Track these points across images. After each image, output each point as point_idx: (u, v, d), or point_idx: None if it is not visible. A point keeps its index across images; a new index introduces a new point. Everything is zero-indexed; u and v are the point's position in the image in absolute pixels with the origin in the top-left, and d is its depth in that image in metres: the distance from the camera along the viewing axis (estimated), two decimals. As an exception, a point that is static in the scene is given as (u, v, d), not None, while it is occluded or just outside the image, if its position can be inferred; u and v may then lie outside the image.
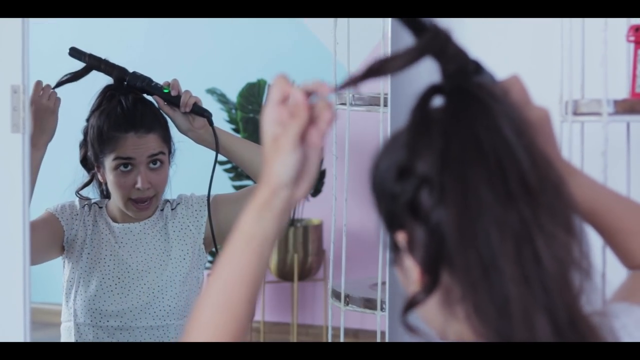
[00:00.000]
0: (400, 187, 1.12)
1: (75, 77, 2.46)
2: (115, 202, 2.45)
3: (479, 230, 1.08)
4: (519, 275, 1.07)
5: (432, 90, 1.14)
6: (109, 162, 2.40)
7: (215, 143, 2.43)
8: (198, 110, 2.43)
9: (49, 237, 2.44)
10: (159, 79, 2.46)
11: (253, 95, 5.20)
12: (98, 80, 2.48)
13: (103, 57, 2.47)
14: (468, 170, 1.09)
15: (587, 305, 1.12)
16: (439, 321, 1.14)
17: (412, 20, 1.18)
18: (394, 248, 1.15)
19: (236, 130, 5.12)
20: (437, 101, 1.15)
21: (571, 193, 1.14)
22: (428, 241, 1.11)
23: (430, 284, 1.12)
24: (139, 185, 2.39)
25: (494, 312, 1.07)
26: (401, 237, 1.14)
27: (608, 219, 1.32)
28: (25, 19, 2.23)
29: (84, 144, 2.50)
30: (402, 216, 1.13)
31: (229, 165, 5.08)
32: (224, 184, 4.88)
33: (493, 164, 1.09)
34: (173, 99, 2.43)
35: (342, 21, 2.79)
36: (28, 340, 2.23)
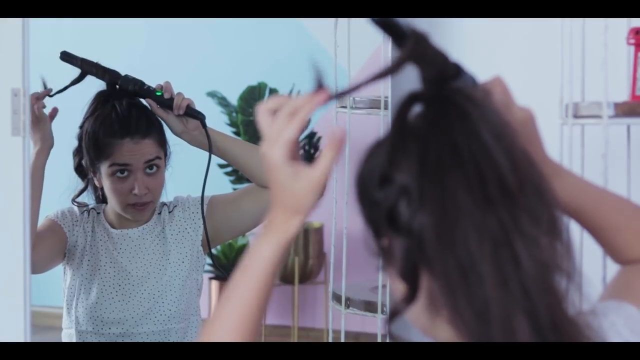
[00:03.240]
0: (382, 194, 1.13)
1: (72, 84, 2.45)
2: (113, 206, 2.44)
3: (458, 236, 1.08)
4: (498, 279, 1.07)
5: (411, 99, 1.15)
6: (104, 168, 2.39)
7: (209, 145, 2.42)
8: (191, 113, 2.43)
9: (54, 245, 2.43)
10: (160, 82, 2.45)
11: (254, 98, 5.20)
12: (91, 86, 2.47)
13: (95, 61, 2.45)
14: (446, 176, 1.09)
15: (572, 306, 1.12)
16: (426, 324, 1.14)
17: (390, 24, 1.18)
18: (381, 254, 1.16)
19: (237, 133, 5.13)
20: (419, 108, 1.15)
21: (554, 194, 1.14)
22: (406, 252, 1.11)
23: (410, 294, 1.12)
24: (136, 191, 2.37)
25: (473, 316, 1.08)
26: (386, 243, 1.14)
27: (595, 217, 1.32)
28: (26, 23, 2.23)
29: (78, 151, 2.47)
30: (383, 223, 1.13)
31: (229, 169, 5.08)
32: (224, 188, 4.87)
33: (471, 169, 1.09)
34: (166, 102, 2.42)
35: (343, 24, 2.79)
36: (28, 338, 2.23)
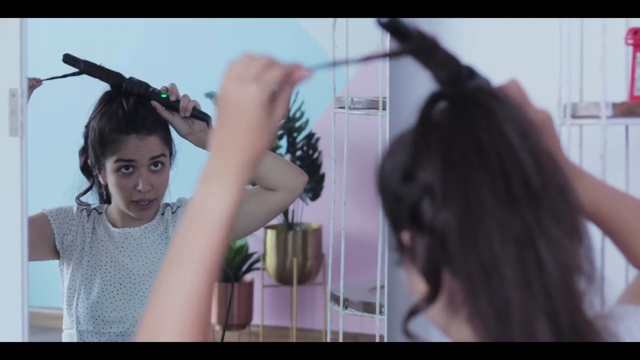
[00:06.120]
0: (405, 189, 1.12)
1: (69, 75, 2.46)
2: (117, 204, 2.45)
3: (481, 235, 1.07)
4: (520, 280, 1.07)
5: (434, 98, 1.14)
6: (110, 164, 2.40)
7: None
8: (197, 114, 2.43)
9: (34, 236, 2.42)
10: (159, 82, 2.45)
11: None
12: (97, 87, 2.48)
13: (98, 63, 2.46)
14: (470, 174, 1.08)
15: (590, 309, 1.12)
16: (443, 321, 1.14)
17: (397, 26, 1.18)
18: (399, 248, 1.15)
19: (235, 134, 5.12)
20: (442, 106, 1.15)
21: (577, 196, 1.13)
22: (429, 251, 1.10)
23: (432, 293, 1.11)
24: (140, 187, 2.38)
25: (493, 316, 1.07)
26: (406, 237, 1.13)
27: (613, 219, 1.31)
28: (24, 23, 2.23)
29: (84, 150, 2.49)
30: (405, 220, 1.13)
31: (228, 170, 5.07)
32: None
33: (496, 167, 1.08)
34: (172, 104, 2.42)
35: (341, 24, 2.79)
36: (26, 341, 2.23)
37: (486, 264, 1.07)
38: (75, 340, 2.42)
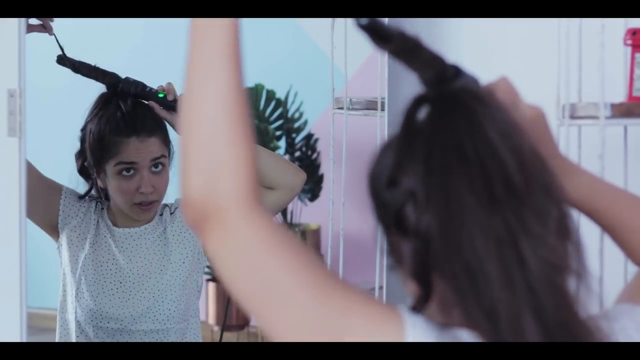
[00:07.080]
0: (390, 195, 1.13)
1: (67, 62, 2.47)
2: (118, 206, 2.45)
3: (464, 237, 1.08)
4: (504, 279, 1.07)
5: (418, 102, 1.14)
6: (110, 167, 2.39)
7: None
8: None
9: (42, 195, 2.42)
10: (158, 82, 2.45)
11: (251, 99, 5.20)
12: (92, 89, 2.47)
13: (93, 64, 2.45)
14: (450, 177, 1.09)
15: (583, 308, 1.12)
16: (439, 322, 1.14)
17: (377, 28, 1.17)
18: (391, 252, 1.15)
19: (233, 135, 5.12)
20: (426, 109, 1.15)
21: (565, 193, 1.13)
22: (415, 256, 1.11)
23: (424, 295, 1.12)
24: (142, 189, 2.38)
25: (482, 316, 1.08)
26: (395, 241, 1.14)
27: (611, 216, 1.31)
28: (22, 23, 2.23)
29: (80, 154, 2.48)
30: (392, 225, 1.13)
31: (226, 170, 5.07)
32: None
33: (476, 168, 1.09)
34: (169, 103, 2.42)
35: (339, 25, 2.79)
36: (24, 341, 2.23)
37: (471, 265, 1.08)
38: (72, 328, 2.43)
